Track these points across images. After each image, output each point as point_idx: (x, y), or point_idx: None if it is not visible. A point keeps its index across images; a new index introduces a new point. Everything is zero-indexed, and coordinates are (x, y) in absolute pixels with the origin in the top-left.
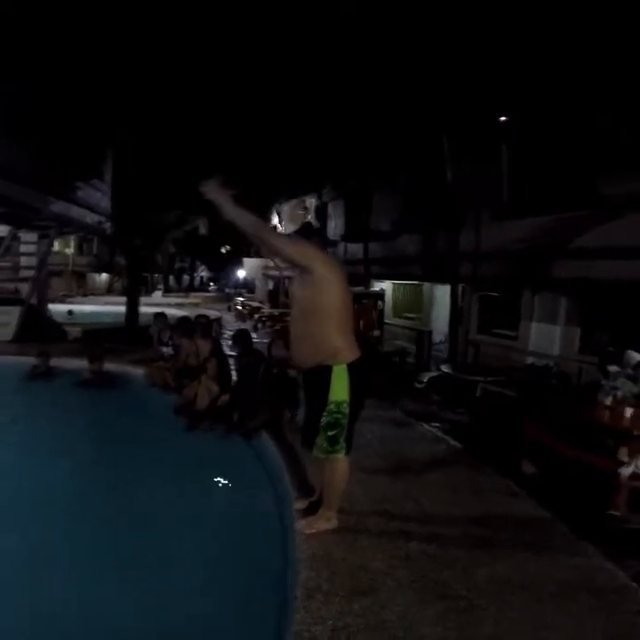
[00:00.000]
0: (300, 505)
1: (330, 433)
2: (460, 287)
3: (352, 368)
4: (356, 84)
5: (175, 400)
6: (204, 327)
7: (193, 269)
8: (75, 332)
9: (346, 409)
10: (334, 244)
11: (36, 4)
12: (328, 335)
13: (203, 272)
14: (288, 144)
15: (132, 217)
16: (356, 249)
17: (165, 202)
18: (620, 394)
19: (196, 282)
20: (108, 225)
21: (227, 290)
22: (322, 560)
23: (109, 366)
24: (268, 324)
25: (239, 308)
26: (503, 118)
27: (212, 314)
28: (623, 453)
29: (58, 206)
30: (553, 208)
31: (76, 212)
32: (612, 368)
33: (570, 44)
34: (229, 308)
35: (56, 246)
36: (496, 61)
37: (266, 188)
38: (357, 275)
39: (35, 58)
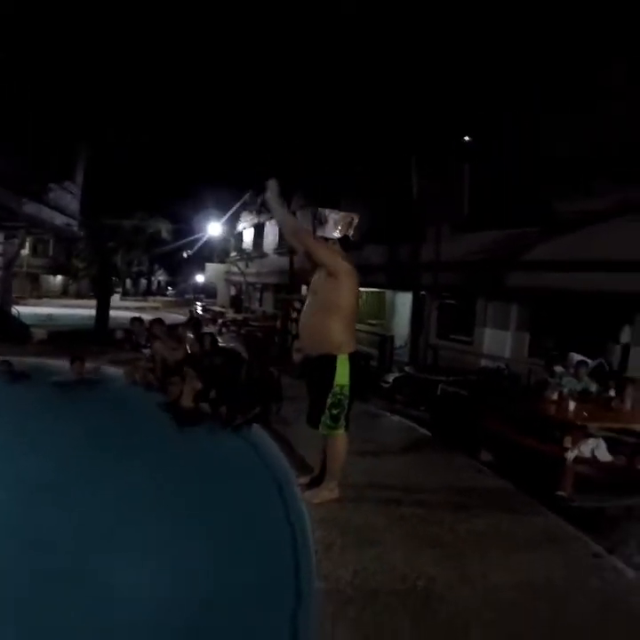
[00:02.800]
0: (303, 480)
1: (334, 411)
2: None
3: (351, 358)
4: (330, 102)
5: (159, 398)
6: (195, 326)
7: (151, 273)
8: (39, 334)
9: (347, 391)
10: None
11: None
12: (337, 330)
13: (160, 276)
14: (257, 152)
15: (105, 220)
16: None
17: (132, 205)
18: (564, 390)
19: (154, 286)
20: (76, 227)
21: (186, 295)
22: (331, 522)
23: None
24: (231, 328)
25: (200, 312)
26: (466, 138)
27: (175, 319)
28: (568, 441)
29: (30, 207)
30: (507, 223)
31: (46, 213)
32: (558, 368)
33: (521, 78)
34: (191, 313)
35: None
36: (460, 89)
37: (237, 194)
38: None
39: (9, 59)
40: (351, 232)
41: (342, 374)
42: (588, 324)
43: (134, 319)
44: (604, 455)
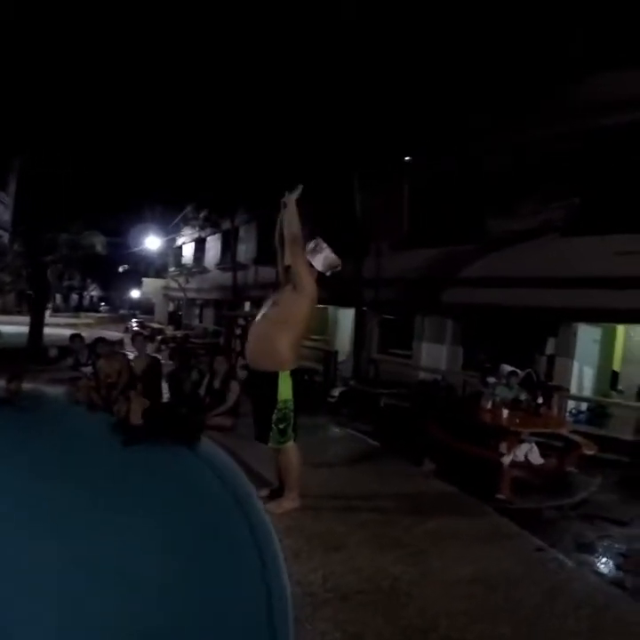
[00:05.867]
0: (264, 493)
1: (280, 426)
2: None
3: (293, 374)
4: (274, 119)
5: (105, 417)
6: (139, 345)
7: (83, 288)
8: None
9: (291, 405)
10: (245, 267)
11: None
12: (286, 346)
13: (93, 291)
14: (200, 166)
15: (43, 232)
16: (266, 272)
17: (67, 216)
18: (498, 399)
19: (86, 301)
20: (7, 240)
21: (121, 310)
22: (296, 530)
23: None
24: (171, 345)
25: (136, 328)
26: (407, 158)
27: (113, 336)
28: (503, 447)
29: None
30: (443, 241)
31: None
32: (490, 379)
33: (456, 101)
34: (127, 330)
35: None
36: (402, 112)
37: (176, 208)
38: (269, 298)
39: None
40: (328, 273)
41: (285, 390)
42: (517, 337)
43: (74, 336)
44: (536, 458)
